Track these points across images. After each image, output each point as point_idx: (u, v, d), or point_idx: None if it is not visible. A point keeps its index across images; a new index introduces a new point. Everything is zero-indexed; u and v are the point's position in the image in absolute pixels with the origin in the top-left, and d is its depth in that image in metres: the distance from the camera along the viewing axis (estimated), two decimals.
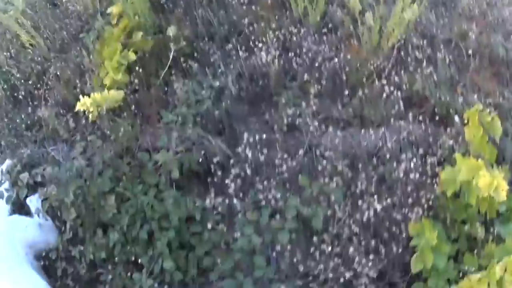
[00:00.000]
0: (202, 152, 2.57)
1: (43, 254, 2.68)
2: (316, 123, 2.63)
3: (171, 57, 2.72)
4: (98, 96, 2.52)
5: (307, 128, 2.62)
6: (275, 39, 2.94)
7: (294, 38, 3.02)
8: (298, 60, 2.90)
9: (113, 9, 3.02)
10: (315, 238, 2.30)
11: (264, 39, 2.94)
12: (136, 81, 2.79)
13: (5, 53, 3.50)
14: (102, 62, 2.78)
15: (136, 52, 2.76)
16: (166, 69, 2.78)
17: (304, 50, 2.93)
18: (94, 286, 2.62)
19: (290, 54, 2.91)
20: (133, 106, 2.73)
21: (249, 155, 2.48)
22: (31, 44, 3.36)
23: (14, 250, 2.54)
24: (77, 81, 2.94)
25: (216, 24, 3.14)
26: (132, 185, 2.56)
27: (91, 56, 2.94)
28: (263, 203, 2.40)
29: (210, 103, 2.65)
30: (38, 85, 3.18)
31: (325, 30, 3.02)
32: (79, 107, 2.52)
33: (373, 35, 2.78)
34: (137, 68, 2.80)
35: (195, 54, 2.94)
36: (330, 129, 2.60)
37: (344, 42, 2.98)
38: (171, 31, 2.80)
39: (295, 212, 2.32)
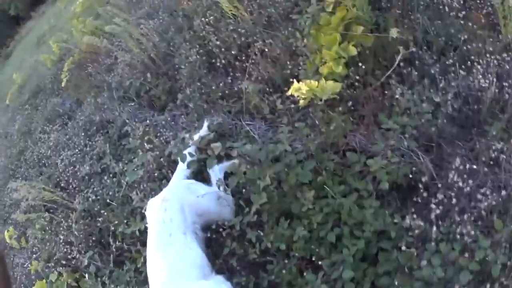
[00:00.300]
0: (411, 167, 2.46)
1: (212, 226, 2.66)
2: None
3: (397, 60, 2.61)
4: (315, 85, 2.45)
5: (509, 167, 2.44)
6: (491, 63, 2.78)
7: (507, 66, 2.84)
8: (509, 91, 2.73)
9: None
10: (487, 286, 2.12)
11: (480, 61, 2.78)
12: (354, 76, 2.69)
13: (202, 18, 3.54)
14: (318, 49, 2.72)
15: (355, 47, 2.66)
16: (387, 71, 2.67)
17: None
18: (258, 273, 2.59)
19: (503, 83, 2.75)
20: (350, 103, 2.64)
21: (458, 183, 2.35)
22: (233, 15, 3.36)
23: (181, 215, 2.52)
24: (288, 62, 2.89)
25: (432, 33, 3.02)
26: (333, 183, 2.47)
27: (305, 40, 2.87)
28: (457, 236, 2.26)
29: (429, 117, 2.54)
30: (240, 57, 3.17)
31: None
32: (292, 91, 2.47)
33: None
34: (355, 63, 2.70)
35: (414, 61, 2.81)
36: None
37: None
38: (394, 32, 2.67)
39: (482, 254, 2.17)
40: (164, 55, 4.04)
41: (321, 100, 2.51)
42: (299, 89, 2.45)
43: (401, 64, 2.76)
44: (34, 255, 3.67)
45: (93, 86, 4.96)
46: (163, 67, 3.94)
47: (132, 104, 4.06)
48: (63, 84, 5.56)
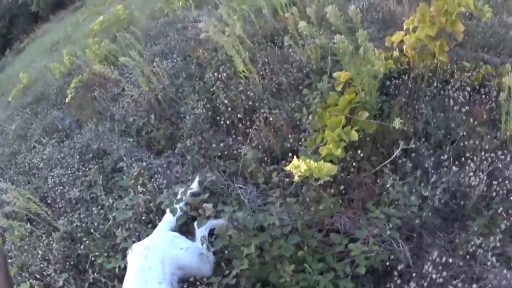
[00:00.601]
0: (390, 254, 2.58)
1: (190, 279, 2.74)
2: (494, 261, 2.56)
3: (395, 153, 2.75)
4: (314, 165, 2.57)
5: (485, 260, 2.57)
6: (484, 162, 2.94)
7: (499, 164, 3.00)
8: (497, 189, 2.86)
9: (341, 76, 3.12)
10: None
11: (474, 158, 2.96)
12: (350, 161, 2.84)
13: (214, 73, 3.68)
14: (322, 128, 2.86)
15: (358, 131, 2.81)
16: (383, 158, 2.82)
17: (503, 179, 2.91)
18: None
19: (492, 181, 2.88)
20: (342, 186, 2.77)
21: (432, 274, 2.44)
22: (245, 76, 3.51)
23: (161, 265, 2.62)
24: (289, 135, 3.04)
25: (433, 124, 3.21)
26: (313, 260, 2.59)
27: (310, 117, 3.02)
28: None
29: (416, 210, 2.68)
30: (244, 120, 3.30)
31: None
32: (291, 168, 2.59)
33: None
34: (354, 147, 2.85)
35: (410, 152, 2.98)
36: (505, 271, 2.53)
37: None
38: (396, 123, 2.82)
39: None
40: (171, 100, 4.18)
41: (316, 180, 2.64)
42: (298, 167, 2.58)
43: (399, 153, 2.91)
44: (8, 260, 3.71)
45: (96, 111, 5.09)
46: (168, 111, 4.08)
47: (131, 140, 4.19)
48: (67, 100, 5.71)
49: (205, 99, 3.70)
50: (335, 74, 3.17)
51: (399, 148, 2.78)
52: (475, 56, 4.26)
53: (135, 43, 4.80)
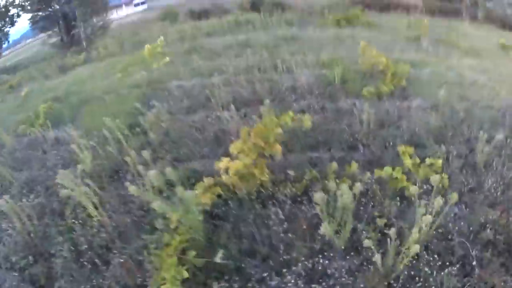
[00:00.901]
0: None
1: None
2: None
3: None
4: None
5: None
6: (302, 271, 3.74)
7: (320, 267, 3.79)
8: None
9: (172, 216, 3.86)
10: None
11: (294, 269, 3.75)
12: None
13: (73, 219, 4.32)
14: (161, 267, 3.59)
15: (188, 269, 3.60)
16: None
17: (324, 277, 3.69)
18: None
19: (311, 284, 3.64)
20: None
21: None
22: (97, 218, 4.17)
23: None
24: (138, 275, 3.79)
25: (259, 242, 3.98)
26: None
27: (152, 257, 3.73)
28: None
29: None
30: (102, 261, 3.95)
31: (348, 256, 3.81)
32: None
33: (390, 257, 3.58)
34: (188, 281, 3.63)
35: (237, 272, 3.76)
36: None
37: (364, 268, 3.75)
38: (219, 257, 3.63)
39: None
40: (42, 238, 4.66)
41: None
42: None
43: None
44: None
45: None
46: (41, 248, 4.56)
47: (17, 274, 4.47)
48: None
49: (70, 240, 4.29)
50: (168, 215, 3.88)
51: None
52: (301, 159, 5.12)
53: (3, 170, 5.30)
